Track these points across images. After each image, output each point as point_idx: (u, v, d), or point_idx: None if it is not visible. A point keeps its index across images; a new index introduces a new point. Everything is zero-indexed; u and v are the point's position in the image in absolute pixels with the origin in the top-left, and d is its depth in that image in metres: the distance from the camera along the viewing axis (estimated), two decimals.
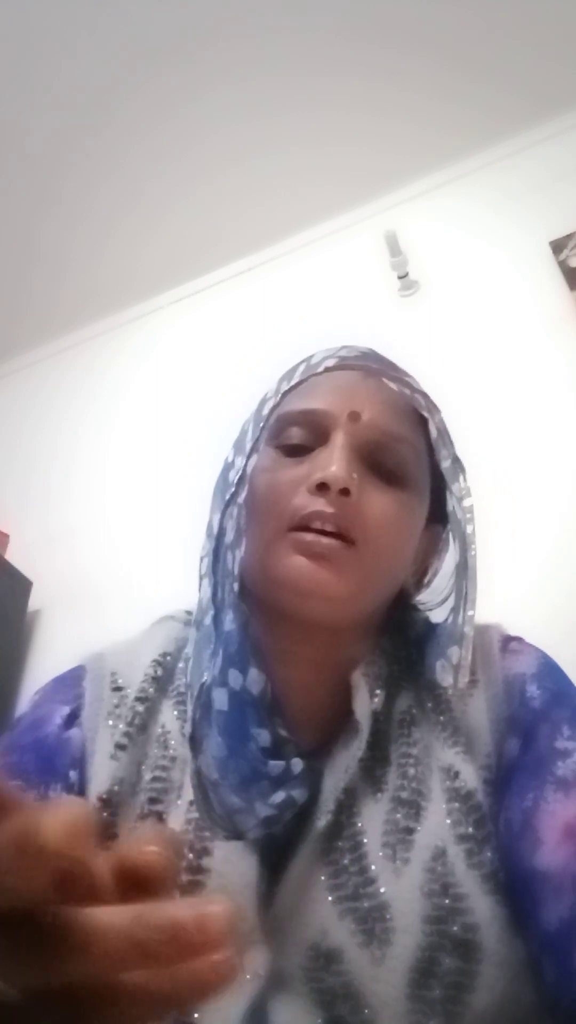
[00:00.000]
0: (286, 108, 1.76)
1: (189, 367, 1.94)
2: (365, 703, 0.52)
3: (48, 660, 1.60)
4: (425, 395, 0.58)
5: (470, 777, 0.50)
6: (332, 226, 1.97)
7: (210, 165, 1.85)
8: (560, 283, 1.57)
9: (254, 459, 0.54)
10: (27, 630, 1.67)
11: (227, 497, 0.53)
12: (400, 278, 1.75)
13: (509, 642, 0.59)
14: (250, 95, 1.73)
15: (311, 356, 0.61)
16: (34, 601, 1.69)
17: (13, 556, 1.72)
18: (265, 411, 0.57)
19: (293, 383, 0.58)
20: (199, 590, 0.56)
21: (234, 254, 2.04)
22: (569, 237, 1.60)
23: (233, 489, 0.53)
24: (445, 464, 0.57)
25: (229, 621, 0.50)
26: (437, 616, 0.61)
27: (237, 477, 0.53)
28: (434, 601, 0.62)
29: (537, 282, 1.61)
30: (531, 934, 0.44)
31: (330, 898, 0.46)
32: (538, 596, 1.22)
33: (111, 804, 0.49)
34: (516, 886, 0.46)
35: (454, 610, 0.55)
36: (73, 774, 0.51)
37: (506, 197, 1.75)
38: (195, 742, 0.49)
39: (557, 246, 1.61)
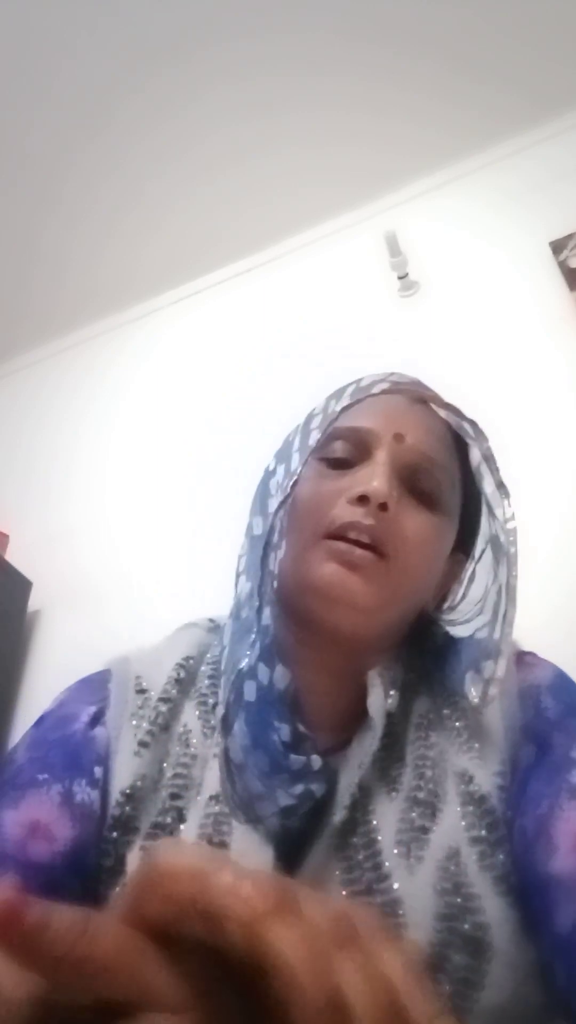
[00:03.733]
0: (286, 108, 1.76)
1: (189, 367, 1.94)
2: (379, 700, 0.54)
3: (48, 660, 1.60)
4: (474, 423, 0.61)
5: (484, 782, 0.52)
6: (332, 226, 1.97)
7: (210, 165, 1.85)
8: (560, 283, 1.58)
9: (304, 470, 0.57)
10: (27, 630, 1.67)
11: (278, 501, 0.55)
12: (400, 278, 1.75)
13: (523, 656, 0.61)
14: (250, 95, 1.73)
15: (361, 379, 0.64)
16: (34, 601, 1.69)
17: (13, 556, 1.72)
18: (314, 425, 0.60)
19: (346, 403, 0.60)
20: (235, 586, 0.58)
21: (234, 254, 2.04)
22: (569, 237, 1.60)
23: (287, 493, 0.55)
24: (488, 490, 0.60)
25: (267, 616, 0.52)
26: (458, 631, 0.63)
27: (290, 482, 0.55)
28: (458, 620, 0.64)
29: (537, 282, 1.61)
30: (544, 938, 0.45)
31: (344, 892, 0.47)
32: (538, 596, 1.22)
33: (134, 799, 0.51)
34: (530, 891, 0.46)
35: (490, 627, 0.57)
36: (98, 770, 0.53)
37: (506, 197, 1.76)
38: (226, 724, 0.51)
39: (557, 246, 1.61)
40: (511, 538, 0.57)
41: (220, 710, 0.52)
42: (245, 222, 1.97)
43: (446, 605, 0.65)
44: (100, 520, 1.78)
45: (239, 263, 2.05)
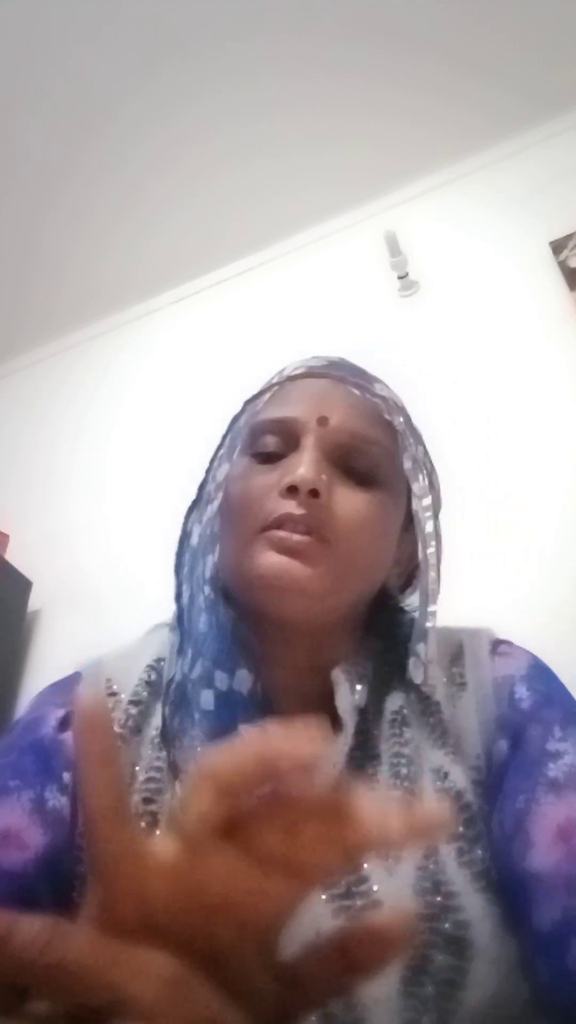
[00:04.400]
0: (287, 109, 1.76)
1: (189, 367, 1.94)
2: (347, 698, 0.53)
3: (48, 660, 1.60)
4: (386, 399, 0.60)
5: (459, 778, 0.51)
6: (332, 226, 1.97)
7: (211, 166, 1.85)
8: (560, 283, 1.58)
9: (224, 468, 0.57)
10: (27, 630, 1.67)
11: (190, 504, 0.55)
12: (400, 278, 1.75)
13: (499, 645, 0.60)
14: (251, 96, 1.73)
15: (283, 368, 0.63)
16: (34, 601, 1.69)
17: (13, 556, 1.72)
18: (232, 421, 0.60)
19: (257, 392, 0.60)
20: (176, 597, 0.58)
21: (234, 254, 2.04)
22: (569, 237, 1.60)
23: (196, 496, 0.55)
24: (407, 465, 0.59)
25: (202, 623, 0.52)
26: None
27: (199, 484, 0.56)
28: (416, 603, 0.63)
29: (537, 282, 1.61)
30: (524, 935, 0.44)
31: (323, 896, 0.46)
32: (538, 596, 1.22)
33: None
34: (509, 887, 0.46)
35: (419, 607, 0.57)
36: (67, 775, 0.52)
37: (506, 197, 1.76)
38: (167, 738, 0.51)
39: (557, 246, 1.61)
40: (426, 514, 0.57)
41: (158, 725, 0.52)
42: (245, 222, 1.97)
43: (415, 582, 0.65)
44: (100, 520, 1.78)
45: (239, 263, 2.05)
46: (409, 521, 0.61)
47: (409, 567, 0.64)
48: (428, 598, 0.56)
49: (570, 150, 1.74)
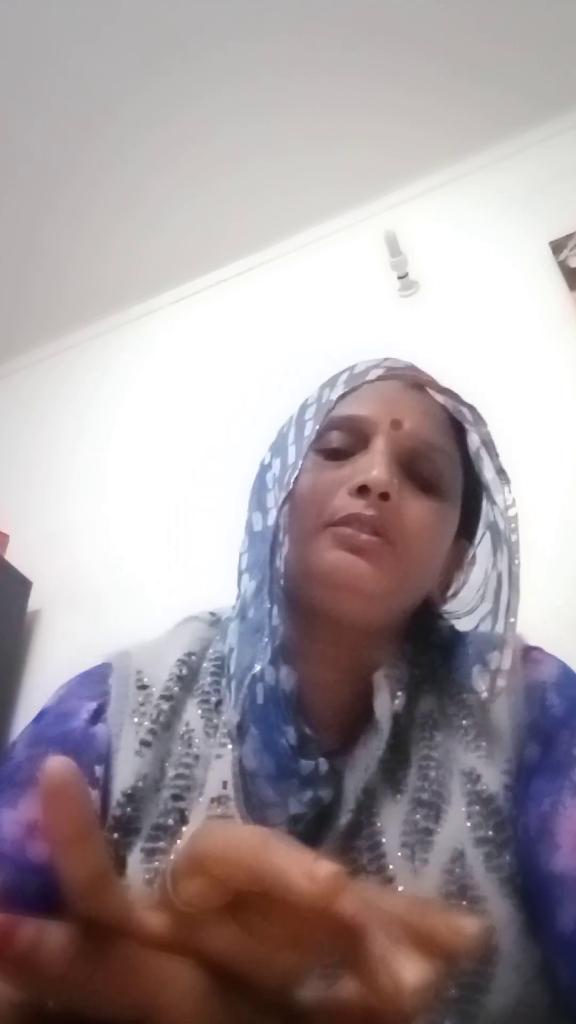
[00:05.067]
0: (287, 109, 1.76)
1: (189, 367, 1.94)
2: (386, 703, 0.53)
3: (48, 660, 1.60)
4: (472, 408, 0.60)
5: (492, 780, 0.51)
6: (332, 226, 1.97)
7: (211, 166, 1.85)
8: (560, 283, 1.58)
9: (292, 455, 0.56)
10: (27, 630, 1.67)
11: (282, 496, 0.54)
12: (400, 278, 1.75)
13: (530, 651, 0.60)
14: (251, 97, 1.73)
15: (354, 366, 0.62)
16: (34, 601, 1.69)
17: (13, 556, 1.72)
18: (308, 415, 0.59)
19: (340, 391, 0.58)
20: (239, 585, 0.57)
21: (234, 254, 2.04)
22: (569, 237, 1.60)
23: (290, 487, 0.54)
24: (488, 475, 0.59)
25: (275, 615, 0.51)
26: (462, 625, 0.63)
27: (292, 476, 0.54)
28: (461, 611, 0.63)
29: (537, 282, 1.61)
30: (547, 937, 0.44)
31: None
32: (538, 596, 1.22)
33: (135, 800, 0.50)
34: (533, 889, 0.46)
35: (492, 617, 0.57)
36: (99, 769, 0.52)
37: (506, 197, 1.76)
38: (241, 730, 0.51)
39: (557, 246, 1.61)
40: (512, 525, 0.56)
41: (234, 717, 0.51)
42: (245, 222, 1.97)
43: (450, 592, 0.64)
44: (100, 520, 1.78)
45: (239, 263, 2.05)
46: (456, 534, 0.61)
47: (448, 578, 0.64)
48: (509, 610, 0.55)
49: (570, 150, 1.74)
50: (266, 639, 0.51)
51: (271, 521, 0.54)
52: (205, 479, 1.64)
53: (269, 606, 0.51)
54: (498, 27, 1.63)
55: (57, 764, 0.23)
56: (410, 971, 0.21)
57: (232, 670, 0.55)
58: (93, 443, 1.94)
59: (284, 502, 0.53)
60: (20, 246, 1.98)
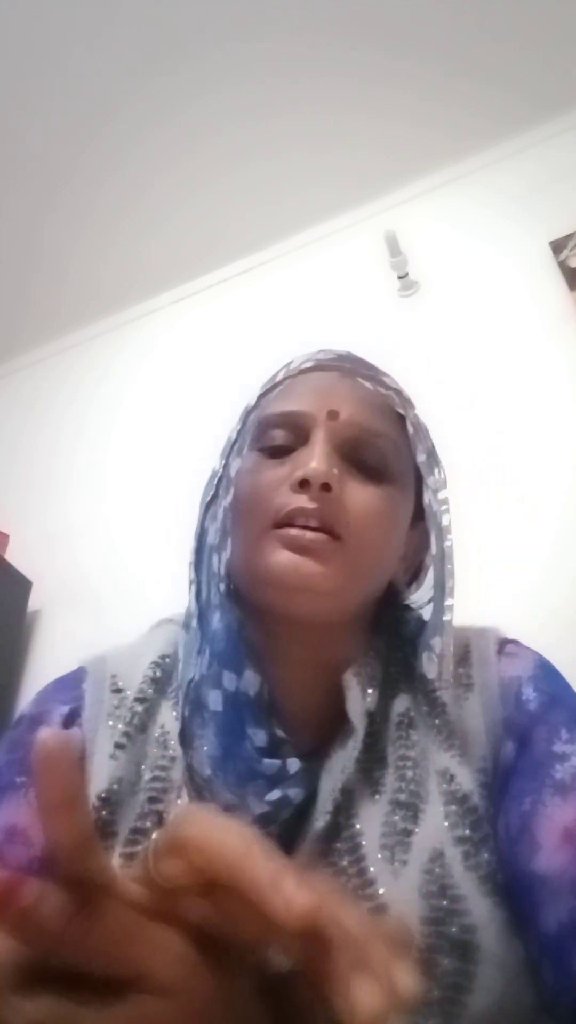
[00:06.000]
0: (287, 110, 1.76)
1: (189, 367, 1.94)
2: (358, 703, 0.52)
3: (48, 660, 1.60)
4: (399, 392, 0.59)
5: (466, 780, 0.50)
6: (332, 226, 1.97)
7: (211, 166, 1.85)
8: (560, 283, 1.58)
9: (236, 463, 0.56)
10: (27, 630, 1.67)
11: (207, 500, 0.54)
12: (400, 278, 1.75)
13: (505, 645, 0.59)
14: (251, 97, 1.73)
15: (290, 361, 0.62)
16: (34, 601, 1.69)
17: (13, 556, 1.72)
18: (245, 414, 0.59)
19: (268, 387, 0.59)
20: (189, 593, 0.57)
21: (234, 254, 2.04)
22: (569, 237, 1.60)
23: (213, 491, 0.54)
24: (421, 458, 0.58)
25: (216, 620, 0.51)
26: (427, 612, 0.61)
27: (216, 480, 0.55)
28: (424, 599, 0.62)
29: (537, 282, 1.61)
30: (530, 937, 0.44)
31: None
32: (538, 596, 1.22)
33: (110, 803, 0.50)
34: (515, 890, 0.46)
35: (434, 601, 0.56)
36: None
37: (506, 197, 1.76)
38: (185, 739, 0.50)
39: (557, 246, 1.61)
40: (443, 507, 0.56)
41: (176, 726, 0.51)
42: (245, 222, 1.97)
43: (421, 578, 0.64)
44: (100, 520, 1.78)
45: (239, 263, 2.05)
46: (416, 516, 0.61)
47: (415, 563, 0.63)
48: (445, 592, 0.54)
49: (570, 150, 1.74)
50: (200, 645, 0.51)
51: (201, 526, 0.55)
52: (205, 479, 1.63)
53: (199, 613, 0.51)
54: (498, 27, 1.63)
55: (49, 733, 0.24)
56: (365, 998, 0.22)
57: (179, 680, 0.55)
58: (93, 443, 1.94)
59: (208, 505, 0.54)
60: (20, 246, 1.98)
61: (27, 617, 1.67)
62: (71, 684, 0.59)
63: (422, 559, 0.64)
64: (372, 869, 0.46)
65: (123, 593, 1.59)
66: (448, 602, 0.53)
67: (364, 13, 1.61)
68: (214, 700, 0.50)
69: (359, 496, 0.55)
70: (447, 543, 0.55)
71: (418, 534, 0.62)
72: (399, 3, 1.60)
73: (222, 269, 2.07)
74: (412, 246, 1.76)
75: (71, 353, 2.17)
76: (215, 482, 0.56)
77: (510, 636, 0.60)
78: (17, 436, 2.07)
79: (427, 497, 0.58)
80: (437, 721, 0.54)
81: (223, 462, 0.58)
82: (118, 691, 0.57)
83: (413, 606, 0.64)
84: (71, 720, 0.55)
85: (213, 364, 1.90)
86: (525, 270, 1.64)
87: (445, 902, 0.45)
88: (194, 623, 0.54)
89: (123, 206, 1.91)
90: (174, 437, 1.83)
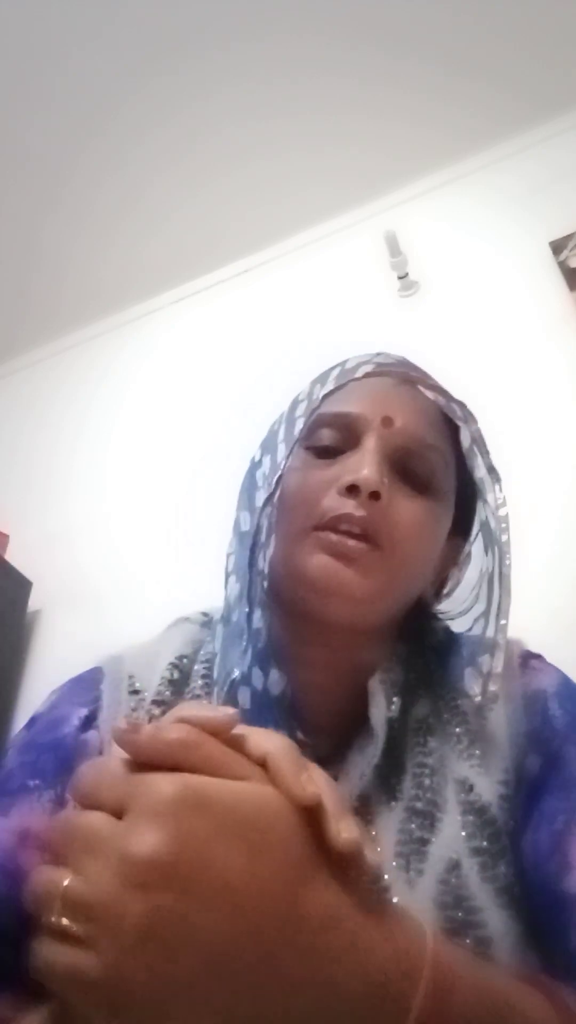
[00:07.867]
0: (287, 110, 1.76)
1: (189, 367, 1.94)
2: (381, 710, 0.52)
3: (48, 660, 1.60)
4: (462, 404, 0.58)
5: (485, 791, 0.50)
6: (332, 226, 1.97)
7: (211, 166, 1.85)
8: (560, 283, 1.57)
9: (282, 454, 0.55)
10: (27, 630, 1.67)
11: (265, 496, 0.53)
12: (400, 278, 1.75)
13: (529, 659, 0.59)
14: (251, 97, 1.73)
15: (345, 361, 0.61)
16: (34, 601, 1.69)
17: (13, 556, 1.72)
18: (299, 412, 0.57)
19: (330, 388, 0.57)
20: (225, 587, 0.56)
21: (234, 254, 2.04)
22: (569, 237, 1.60)
23: (272, 488, 0.53)
24: (479, 474, 0.58)
25: (258, 619, 0.50)
26: (457, 626, 0.62)
27: (276, 477, 0.53)
28: (455, 610, 0.62)
29: (537, 282, 1.61)
30: (558, 956, 0.43)
31: None
32: (538, 596, 1.22)
33: None
34: (541, 909, 0.45)
35: (484, 619, 0.56)
36: None
37: (506, 197, 1.75)
38: None
39: (557, 246, 1.61)
40: (503, 525, 0.55)
41: None
42: (245, 222, 1.97)
43: (445, 590, 0.63)
44: (100, 520, 1.78)
45: (239, 263, 2.05)
46: (451, 532, 0.60)
47: (443, 576, 0.63)
48: (502, 612, 0.54)
49: (570, 150, 1.74)
50: (246, 643, 0.50)
51: (256, 522, 0.53)
52: (205, 479, 1.64)
53: (248, 610, 0.50)
54: (498, 27, 1.63)
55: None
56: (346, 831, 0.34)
57: (216, 675, 0.55)
58: (93, 443, 1.94)
59: (267, 502, 0.52)
60: (20, 246, 1.98)
61: (27, 617, 1.67)
62: (88, 685, 0.58)
63: (449, 572, 0.63)
64: (386, 877, 0.46)
65: (123, 593, 1.59)
66: (502, 622, 0.53)
67: (364, 13, 1.61)
68: (243, 698, 0.50)
69: (405, 508, 0.54)
70: (507, 563, 0.54)
71: (450, 548, 0.61)
72: (399, 3, 1.60)
73: (222, 269, 2.07)
74: (412, 246, 1.76)
75: (71, 353, 2.17)
76: (271, 477, 0.54)
77: (534, 650, 0.60)
78: (17, 436, 2.07)
79: (485, 514, 0.57)
80: (458, 729, 0.53)
81: (267, 457, 0.57)
82: (135, 692, 0.56)
83: (441, 616, 0.63)
84: (89, 722, 0.55)
85: (213, 364, 1.90)
86: (525, 270, 1.64)
87: (460, 913, 0.44)
88: (236, 618, 0.53)
89: (123, 206, 1.91)
90: (174, 437, 1.83)
